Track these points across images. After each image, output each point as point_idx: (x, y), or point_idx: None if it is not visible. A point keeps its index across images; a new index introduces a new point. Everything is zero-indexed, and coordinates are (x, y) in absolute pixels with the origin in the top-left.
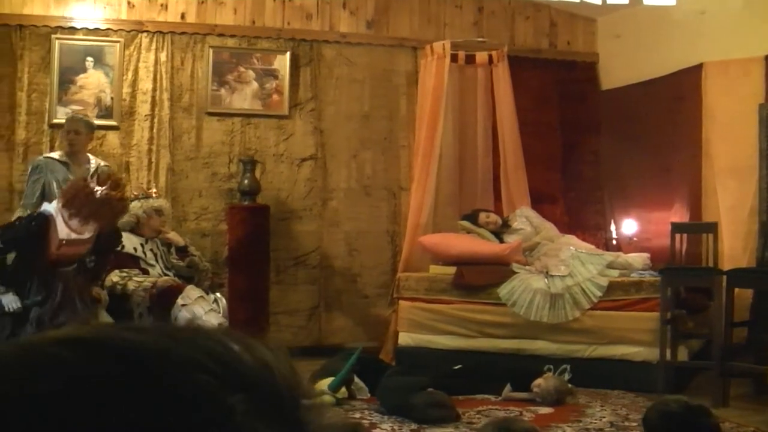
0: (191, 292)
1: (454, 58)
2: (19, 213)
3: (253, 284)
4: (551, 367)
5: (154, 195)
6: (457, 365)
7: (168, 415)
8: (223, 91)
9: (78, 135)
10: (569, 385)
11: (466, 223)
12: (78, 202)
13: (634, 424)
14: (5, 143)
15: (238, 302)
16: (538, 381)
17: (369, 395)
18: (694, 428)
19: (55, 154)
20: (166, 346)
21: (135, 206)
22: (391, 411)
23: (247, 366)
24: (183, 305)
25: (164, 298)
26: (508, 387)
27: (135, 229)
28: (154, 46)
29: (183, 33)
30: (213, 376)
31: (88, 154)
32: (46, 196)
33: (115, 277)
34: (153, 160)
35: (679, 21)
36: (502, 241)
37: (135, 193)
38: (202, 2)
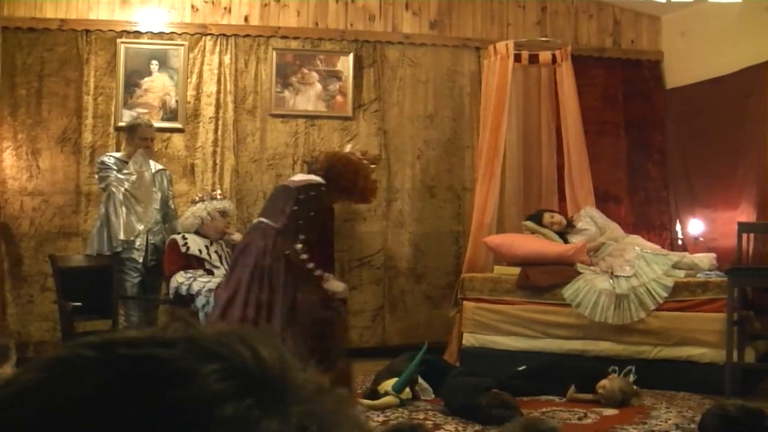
0: None
1: (517, 58)
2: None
3: None
4: (616, 368)
5: (218, 197)
6: (521, 366)
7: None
8: (286, 92)
9: (152, 141)
10: (634, 387)
11: (530, 224)
12: (354, 173)
13: None
14: (72, 146)
15: None
16: (603, 382)
17: (433, 396)
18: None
19: (120, 155)
20: (161, 351)
21: (199, 208)
22: (455, 412)
23: (241, 362)
24: None
25: None
26: (572, 388)
27: (199, 230)
28: (217, 49)
29: (246, 36)
30: (205, 377)
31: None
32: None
33: (180, 278)
34: (218, 162)
35: (745, 18)
36: (566, 241)
37: (200, 195)
38: (265, 5)
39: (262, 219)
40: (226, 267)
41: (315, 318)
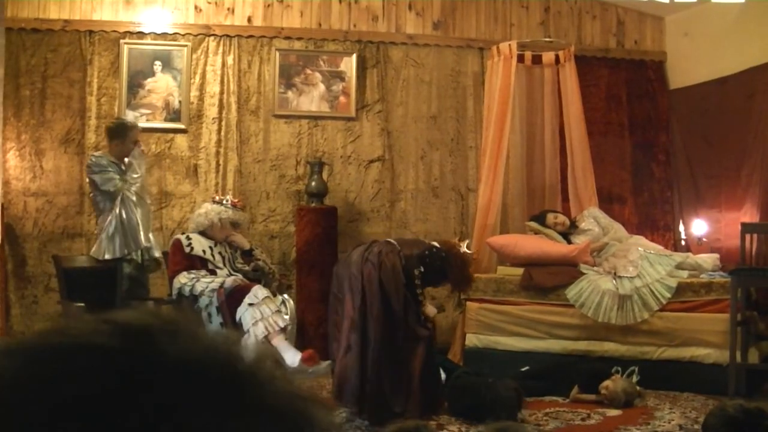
0: (258, 292)
1: (521, 59)
2: (112, 187)
3: (322, 285)
4: (619, 369)
5: (238, 206)
6: (524, 367)
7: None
8: (290, 93)
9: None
10: (638, 387)
11: (534, 224)
12: (463, 266)
13: None
14: (75, 147)
15: (307, 303)
16: (606, 383)
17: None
18: (754, 431)
19: (108, 155)
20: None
21: (215, 210)
22: (460, 412)
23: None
24: (250, 304)
25: (232, 298)
26: (576, 388)
27: (207, 231)
28: (221, 50)
29: (250, 36)
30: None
31: None
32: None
33: (183, 278)
34: (221, 162)
35: (749, 18)
36: (569, 242)
37: (220, 197)
38: (269, 5)
39: (390, 240)
40: (229, 268)
41: (411, 330)
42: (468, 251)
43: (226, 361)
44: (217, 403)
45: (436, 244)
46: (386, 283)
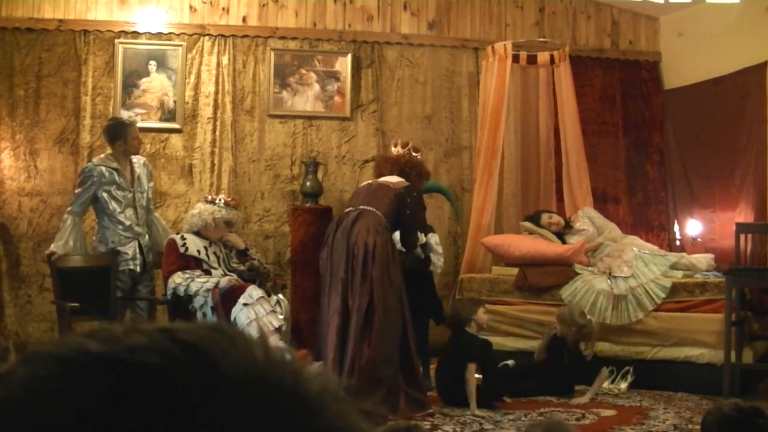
0: (253, 292)
1: (515, 59)
2: (68, 218)
3: (316, 285)
4: (614, 368)
5: (231, 203)
6: (508, 360)
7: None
8: (285, 93)
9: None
10: (588, 317)
11: (528, 224)
12: (406, 166)
13: (698, 427)
14: (70, 147)
15: (301, 303)
16: None
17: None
18: (750, 430)
19: (110, 161)
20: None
21: (208, 210)
22: (450, 401)
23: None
24: (245, 304)
25: (227, 298)
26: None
27: (201, 231)
28: (216, 50)
29: (245, 36)
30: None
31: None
32: (95, 204)
33: (177, 278)
34: (216, 162)
35: (743, 19)
36: (564, 242)
37: (213, 196)
38: (264, 5)
39: (364, 207)
40: (224, 269)
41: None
42: (413, 151)
43: (286, 385)
44: (270, 427)
45: (390, 181)
46: (385, 276)
